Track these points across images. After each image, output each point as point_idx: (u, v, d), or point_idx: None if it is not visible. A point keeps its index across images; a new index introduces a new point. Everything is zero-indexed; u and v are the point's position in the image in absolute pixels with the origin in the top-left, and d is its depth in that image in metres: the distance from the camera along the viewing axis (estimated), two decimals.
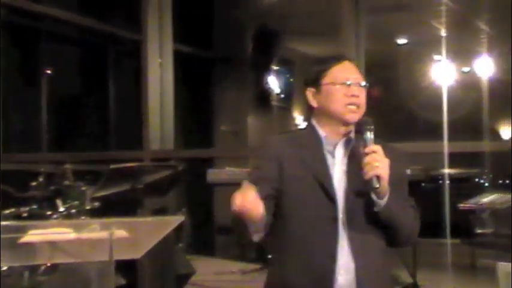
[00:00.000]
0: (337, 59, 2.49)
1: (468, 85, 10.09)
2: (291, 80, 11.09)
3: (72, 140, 7.89)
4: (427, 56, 10.03)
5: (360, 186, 2.32)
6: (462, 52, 9.57)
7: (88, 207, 4.76)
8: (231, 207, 2.15)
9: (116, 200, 4.90)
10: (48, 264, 4.04)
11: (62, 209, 4.63)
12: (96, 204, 4.81)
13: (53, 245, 2.34)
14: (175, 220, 2.46)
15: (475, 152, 6.60)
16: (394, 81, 11.05)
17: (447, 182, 6.43)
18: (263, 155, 2.47)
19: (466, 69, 10.91)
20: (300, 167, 2.38)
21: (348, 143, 2.44)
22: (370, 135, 2.34)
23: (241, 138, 9.44)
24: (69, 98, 8.05)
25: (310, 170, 2.37)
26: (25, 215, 4.58)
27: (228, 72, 9.52)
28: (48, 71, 7.56)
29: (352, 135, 2.45)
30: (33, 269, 4.16)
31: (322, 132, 2.45)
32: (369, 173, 2.27)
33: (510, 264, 2.45)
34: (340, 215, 2.35)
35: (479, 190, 8.13)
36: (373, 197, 2.31)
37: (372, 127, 2.35)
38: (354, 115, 2.40)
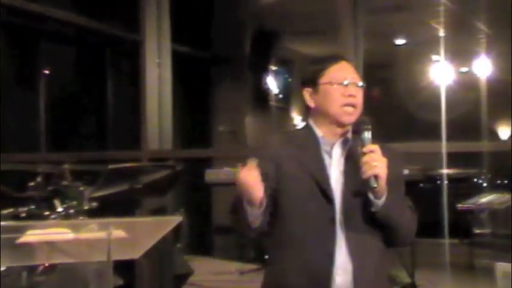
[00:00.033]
0: (334, 58, 2.49)
1: (466, 85, 10.10)
2: (289, 80, 11.10)
3: (71, 140, 7.88)
4: (425, 56, 10.04)
5: (358, 186, 2.33)
6: (460, 52, 9.58)
7: (86, 208, 4.75)
8: (234, 188, 2.19)
9: (114, 200, 4.89)
10: (46, 265, 4.04)
11: (60, 209, 4.61)
12: (94, 204, 4.79)
13: (51, 245, 2.33)
14: (173, 220, 2.46)
15: (473, 152, 6.61)
16: (392, 82, 11.07)
17: (445, 182, 6.44)
18: (261, 154, 2.47)
19: (464, 69, 10.93)
20: (298, 167, 2.38)
21: (345, 143, 2.44)
22: (367, 134, 2.34)
23: (239, 138, 9.43)
24: (67, 97, 8.04)
25: (308, 170, 2.37)
26: (23, 215, 4.57)
27: (226, 73, 9.52)
28: (47, 71, 7.55)
29: (350, 135, 2.45)
30: (31, 269, 4.15)
31: (319, 132, 2.45)
32: (367, 172, 2.27)
33: (508, 264, 2.45)
34: (338, 215, 2.35)
35: (478, 190, 8.13)
36: (371, 196, 2.31)
37: (370, 127, 2.35)
38: (350, 117, 2.40)
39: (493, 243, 6.36)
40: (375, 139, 2.35)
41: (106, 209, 4.71)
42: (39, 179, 4.88)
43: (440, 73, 9.52)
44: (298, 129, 2.62)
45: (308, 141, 2.44)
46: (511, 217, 6.09)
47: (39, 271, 4.22)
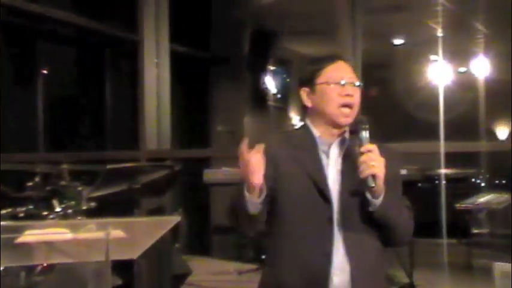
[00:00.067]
0: (331, 58, 2.49)
1: (465, 85, 10.10)
2: (288, 80, 11.10)
3: (69, 140, 7.88)
4: (423, 56, 10.04)
5: (355, 186, 2.33)
6: (459, 52, 9.59)
7: (84, 208, 4.75)
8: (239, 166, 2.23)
9: (113, 200, 4.89)
10: (45, 265, 4.04)
11: (58, 209, 4.61)
12: (93, 204, 4.79)
13: (49, 245, 2.33)
14: (171, 220, 2.46)
15: (471, 152, 6.62)
16: (390, 82, 11.06)
17: (444, 182, 6.44)
18: None
19: (462, 69, 10.93)
20: (295, 167, 2.38)
21: (342, 143, 2.44)
22: (365, 134, 2.34)
23: (237, 138, 9.42)
24: (66, 97, 8.04)
25: (305, 170, 2.37)
26: (21, 215, 4.57)
27: (224, 72, 9.52)
28: (45, 71, 7.55)
29: (347, 135, 2.45)
30: (30, 269, 4.15)
31: (316, 132, 2.45)
32: (365, 171, 2.27)
33: (507, 264, 2.45)
34: (335, 215, 2.35)
35: (476, 190, 8.13)
36: (368, 196, 2.31)
37: (367, 126, 2.35)
38: (347, 119, 2.40)
39: (491, 243, 6.37)
40: (373, 139, 2.35)
41: (104, 209, 4.72)
42: (37, 179, 4.89)
43: (439, 73, 9.50)
44: (296, 129, 2.62)
45: (305, 141, 2.44)
46: (510, 217, 6.10)
47: (38, 271, 4.22)
